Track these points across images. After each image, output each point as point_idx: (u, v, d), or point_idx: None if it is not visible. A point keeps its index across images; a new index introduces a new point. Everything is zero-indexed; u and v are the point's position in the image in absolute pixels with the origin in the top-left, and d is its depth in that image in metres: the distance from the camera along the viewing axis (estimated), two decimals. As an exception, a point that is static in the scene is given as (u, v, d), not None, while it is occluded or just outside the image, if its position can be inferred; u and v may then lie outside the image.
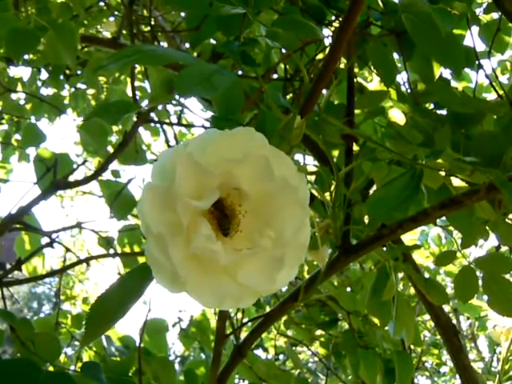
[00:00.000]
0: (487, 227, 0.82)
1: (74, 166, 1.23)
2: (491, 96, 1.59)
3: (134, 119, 1.27)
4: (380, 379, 1.34)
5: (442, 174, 0.75)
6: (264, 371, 1.28)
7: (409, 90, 1.03)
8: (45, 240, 1.30)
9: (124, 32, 1.44)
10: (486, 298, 0.82)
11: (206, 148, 0.42)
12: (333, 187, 0.73)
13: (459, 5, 0.78)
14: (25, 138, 1.54)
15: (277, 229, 0.44)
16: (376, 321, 0.95)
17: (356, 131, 0.75)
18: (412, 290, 1.28)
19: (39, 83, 2.17)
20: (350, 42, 0.73)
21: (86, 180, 1.17)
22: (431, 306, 1.03)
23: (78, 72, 2.00)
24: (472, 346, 3.09)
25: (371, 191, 1.05)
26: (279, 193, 0.44)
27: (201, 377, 1.45)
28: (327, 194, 0.96)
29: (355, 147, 0.86)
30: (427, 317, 2.05)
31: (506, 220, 0.77)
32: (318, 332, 1.65)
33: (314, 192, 0.81)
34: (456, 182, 0.75)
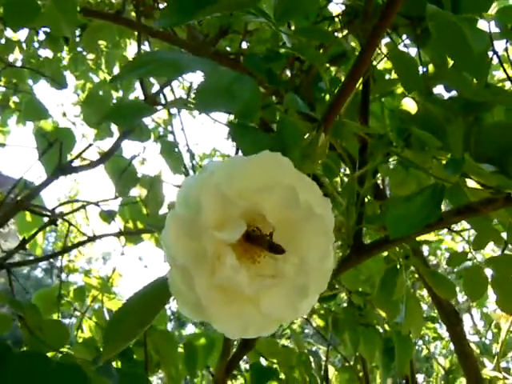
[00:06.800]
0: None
1: (77, 142, 1.21)
2: (499, 74, 1.57)
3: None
4: (379, 356, 1.36)
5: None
6: (265, 349, 1.30)
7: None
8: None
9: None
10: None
11: (232, 178, 0.41)
12: (345, 184, 0.72)
13: (487, 14, 0.75)
14: (26, 111, 1.51)
15: (301, 256, 0.43)
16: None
17: (372, 129, 0.74)
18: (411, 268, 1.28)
19: (36, 45, 2.12)
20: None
21: (92, 165, 1.16)
22: (435, 294, 1.03)
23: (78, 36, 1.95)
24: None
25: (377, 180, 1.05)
26: (304, 221, 0.43)
27: (200, 348, 1.46)
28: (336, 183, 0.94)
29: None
30: (425, 292, 2.07)
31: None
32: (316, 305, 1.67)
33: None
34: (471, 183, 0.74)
